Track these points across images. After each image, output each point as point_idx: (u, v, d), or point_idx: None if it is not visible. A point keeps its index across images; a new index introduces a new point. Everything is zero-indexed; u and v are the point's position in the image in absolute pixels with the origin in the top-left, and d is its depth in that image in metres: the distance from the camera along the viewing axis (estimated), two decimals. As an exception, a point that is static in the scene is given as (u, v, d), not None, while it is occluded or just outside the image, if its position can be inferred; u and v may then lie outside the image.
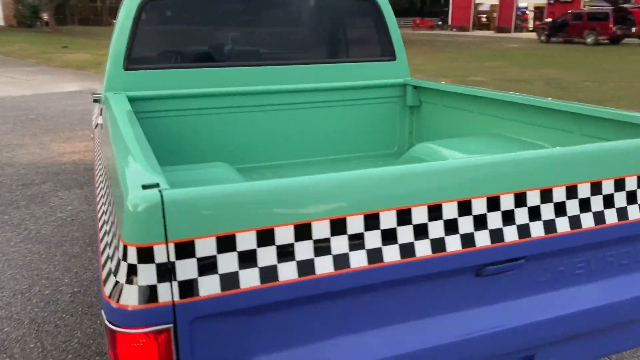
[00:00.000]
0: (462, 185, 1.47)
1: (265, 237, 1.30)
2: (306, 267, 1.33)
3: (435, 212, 1.45)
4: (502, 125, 2.98)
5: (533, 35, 34.90)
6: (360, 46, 3.62)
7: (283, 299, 1.33)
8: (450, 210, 1.46)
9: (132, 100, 3.02)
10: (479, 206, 1.50)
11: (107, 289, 1.27)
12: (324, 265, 1.35)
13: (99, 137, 2.83)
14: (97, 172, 2.33)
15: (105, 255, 1.42)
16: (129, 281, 1.22)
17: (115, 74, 3.05)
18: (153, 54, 3.17)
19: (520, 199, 1.54)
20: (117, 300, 1.22)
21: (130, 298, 1.21)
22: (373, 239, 1.39)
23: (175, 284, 1.23)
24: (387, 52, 3.62)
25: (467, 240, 1.48)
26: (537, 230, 1.56)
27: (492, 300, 1.61)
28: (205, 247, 1.25)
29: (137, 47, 3.09)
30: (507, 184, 1.53)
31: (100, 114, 3.14)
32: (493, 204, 1.51)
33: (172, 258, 1.23)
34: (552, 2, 35.76)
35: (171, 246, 1.23)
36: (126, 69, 3.06)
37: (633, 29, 25.49)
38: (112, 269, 1.28)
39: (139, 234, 1.21)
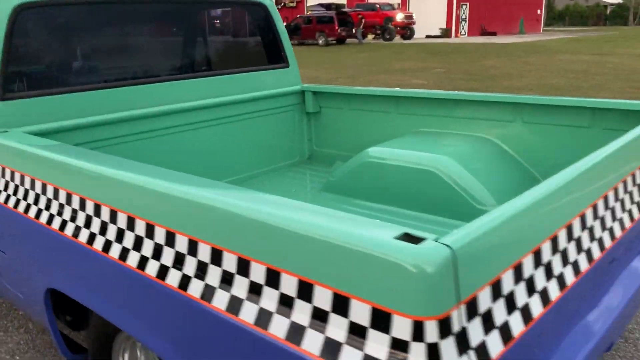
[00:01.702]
0: (589, 193, 1.48)
1: (518, 273, 1.12)
2: (545, 297, 1.19)
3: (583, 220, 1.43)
4: (425, 122, 3.08)
5: (267, 38, 36.79)
6: (253, 54, 3.36)
7: (537, 336, 1.17)
8: (590, 215, 1.46)
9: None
10: (601, 206, 1.53)
11: None
12: (554, 290, 1.22)
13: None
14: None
15: (310, 338, 1.05)
16: (431, 367, 0.93)
17: (-12, 106, 2.28)
18: (36, 77, 2.45)
19: (616, 196, 1.62)
20: None
21: None
22: (556, 263, 1.31)
23: (472, 354, 0.98)
24: (280, 59, 3.43)
25: (611, 235, 1.50)
26: (627, 221, 1.67)
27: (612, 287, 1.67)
28: (485, 299, 1.03)
29: (15, 69, 2.36)
30: (604, 187, 1.58)
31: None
32: (605, 202, 1.56)
33: (464, 323, 0.98)
34: (279, 7, 38.28)
35: (463, 308, 0.98)
36: (3, 98, 2.31)
37: (354, 30, 28.89)
38: (383, 357, 0.96)
39: (437, 303, 0.93)
